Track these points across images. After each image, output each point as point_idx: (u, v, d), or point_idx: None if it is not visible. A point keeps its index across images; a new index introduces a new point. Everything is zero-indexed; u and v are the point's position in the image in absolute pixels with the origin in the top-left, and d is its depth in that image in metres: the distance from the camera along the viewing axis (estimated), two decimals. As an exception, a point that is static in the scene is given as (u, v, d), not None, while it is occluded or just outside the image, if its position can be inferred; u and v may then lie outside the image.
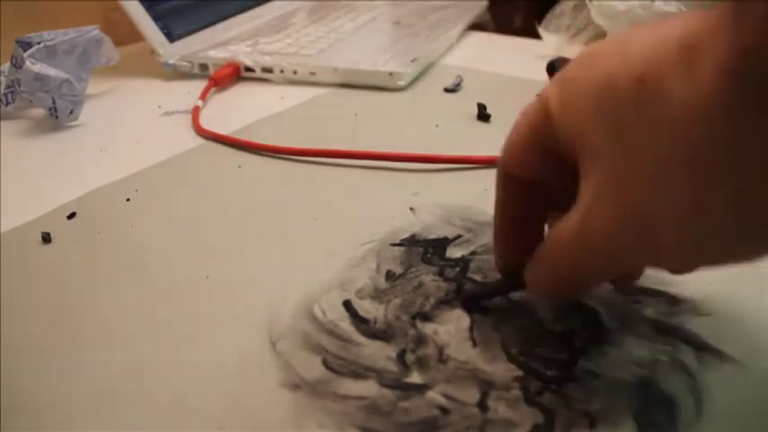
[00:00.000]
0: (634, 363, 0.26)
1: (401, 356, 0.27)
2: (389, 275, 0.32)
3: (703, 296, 0.30)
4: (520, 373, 0.26)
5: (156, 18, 0.63)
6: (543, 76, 0.59)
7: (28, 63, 0.50)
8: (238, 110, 0.55)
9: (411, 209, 0.38)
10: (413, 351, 0.27)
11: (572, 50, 0.62)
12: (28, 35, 0.52)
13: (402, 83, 0.58)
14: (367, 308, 0.30)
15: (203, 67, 0.62)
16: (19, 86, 0.52)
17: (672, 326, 0.28)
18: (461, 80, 0.58)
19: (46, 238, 0.37)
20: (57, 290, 0.33)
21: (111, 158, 0.47)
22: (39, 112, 0.55)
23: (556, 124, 0.23)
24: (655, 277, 0.31)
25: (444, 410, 0.25)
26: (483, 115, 0.51)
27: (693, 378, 0.26)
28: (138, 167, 0.45)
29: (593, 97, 0.21)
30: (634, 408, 0.24)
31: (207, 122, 0.51)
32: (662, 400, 0.25)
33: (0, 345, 0.29)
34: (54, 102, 0.51)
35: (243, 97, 0.58)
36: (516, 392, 0.25)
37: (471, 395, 0.25)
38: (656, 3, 0.50)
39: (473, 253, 0.34)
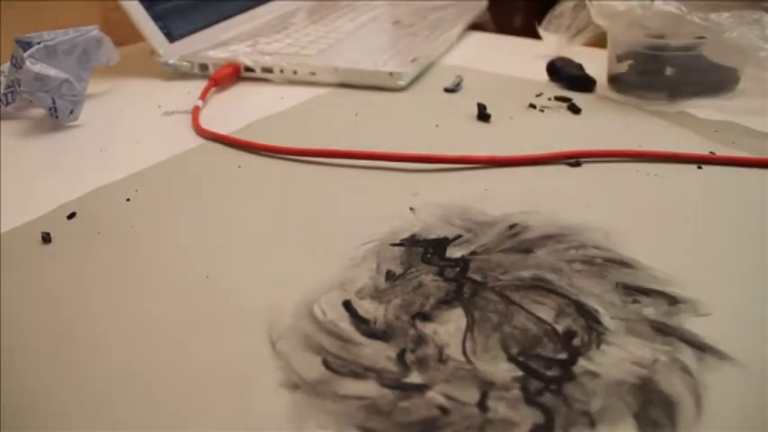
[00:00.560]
0: (634, 363, 0.26)
1: (401, 356, 0.27)
2: (389, 275, 0.32)
3: (703, 296, 0.30)
4: (520, 373, 0.26)
5: (156, 18, 0.63)
6: (543, 76, 0.59)
7: (28, 63, 0.50)
8: (238, 110, 0.55)
9: (411, 209, 0.38)
10: (413, 351, 0.27)
11: (572, 50, 0.62)
12: (28, 35, 0.52)
13: (402, 83, 0.58)
14: (367, 308, 0.30)
15: (203, 67, 0.62)
16: (19, 86, 0.52)
17: (672, 326, 0.28)
18: (461, 80, 0.58)
19: (46, 238, 0.37)
20: (57, 290, 0.33)
21: (111, 158, 0.47)
22: (39, 112, 0.55)
23: None
24: (655, 277, 0.31)
25: (444, 410, 0.25)
26: (483, 115, 0.51)
27: (693, 378, 0.26)
28: (138, 167, 0.45)
29: None
30: (634, 408, 0.24)
31: (207, 122, 0.51)
32: (662, 400, 0.25)
33: (0, 344, 0.29)
34: (54, 102, 0.51)
35: (243, 97, 0.58)
36: (516, 392, 0.25)
37: (471, 395, 0.25)
38: (656, 3, 0.50)
39: (473, 253, 0.34)
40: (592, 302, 0.30)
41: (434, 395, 0.25)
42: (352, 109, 0.54)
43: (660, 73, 0.52)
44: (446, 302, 0.30)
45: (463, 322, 0.29)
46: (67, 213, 0.39)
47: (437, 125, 0.50)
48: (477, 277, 0.32)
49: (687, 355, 0.27)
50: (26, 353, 0.28)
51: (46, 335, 0.29)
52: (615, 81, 0.56)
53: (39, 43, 0.52)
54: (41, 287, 0.33)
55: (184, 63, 0.62)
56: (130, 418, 0.25)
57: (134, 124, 0.53)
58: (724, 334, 0.28)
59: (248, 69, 0.61)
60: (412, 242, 0.35)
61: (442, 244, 0.35)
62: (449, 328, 0.29)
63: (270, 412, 0.25)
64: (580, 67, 0.58)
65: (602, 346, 0.27)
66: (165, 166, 0.45)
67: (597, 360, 0.27)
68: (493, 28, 0.78)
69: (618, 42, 0.54)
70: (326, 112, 0.54)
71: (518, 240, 0.35)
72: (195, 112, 0.53)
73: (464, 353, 0.27)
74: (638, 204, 0.38)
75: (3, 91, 0.54)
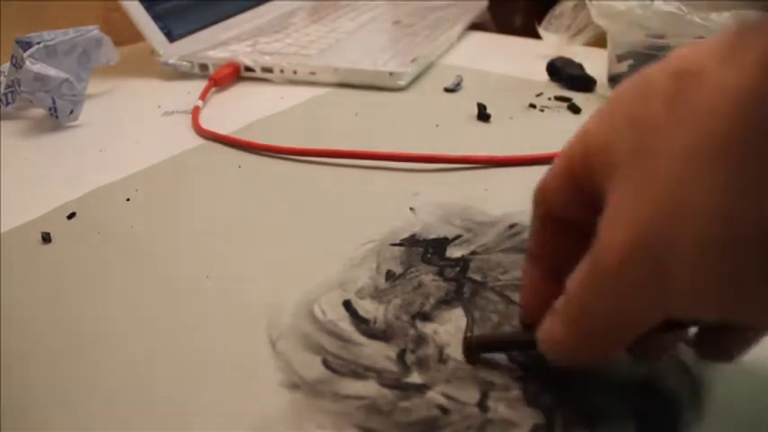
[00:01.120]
0: (634, 363, 0.26)
1: (401, 356, 0.27)
2: (389, 275, 0.32)
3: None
4: (520, 373, 0.26)
5: (156, 18, 0.63)
6: (543, 76, 0.59)
7: (28, 63, 0.50)
8: (238, 110, 0.55)
9: (411, 209, 0.38)
10: (413, 351, 0.27)
11: (572, 50, 0.62)
12: (28, 35, 0.52)
13: (402, 83, 0.58)
14: (367, 308, 0.30)
15: (203, 67, 0.62)
16: (19, 86, 0.52)
17: (672, 326, 0.28)
18: (461, 80, 0.58)
19: (46, 238, 0.37)
20: (57, 290, 0.33)
21: (111, 158, 0.47)
22: (39, 112, 0.55)
23: (591, 151, 0.21)
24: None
25: (444, 410, 0.25)
26: (483, 115, 0.51)
27: (693, 378, 0.26)
28: (138, 167, 0.45)
29: (629, 99, 0.21)
30: (634, 408, 0.24)
31: (207, 122, 0.51)
32: (662, 400, 0.25)
33: (0, 344, 0.29)
34: (54, 102, 0.51)
35: (243, 97, 0.58)
36: (516, 392, 0.25)
37: (471, 395, 0.25)
38: (656, 3, 0.50)
39: (473, 253, 0.34)
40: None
41: (434, 395, 0.25)
42: (352, 109, 0.54)
43: (660, 73, 0.52)
44: (446, 302, 0.30)
45: (463, 322, 0.29)
46: (67, 213, 0.39)
47: (437, 125, 0.50)
48: (478, 277, 0.32)
49: (687, 355, 0.27)
50: (26, 353, 0.28)
51: (46, 335, 0.29)
52: (615, 81, 0.56)
53: (39, 43, 0.52)
54: (41, 287, 0.33)
55: (184, 63, 0.62)
56: (130, 418, 0.25)
57: (134, 124, 0.53)
58: (724, 334, 0.28)
59: (248, 69, 0.61)
60: (412, 242, 0.35)
61: (441, 244, 0.35)
62: (449, 327, 0.29)
63: (270, 412, 0.25)
64: (580, 66, 0.58)
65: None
66: (164, 166, 0.45)
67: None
68: (493, 28, 0.78)
69: (618, 42, 0.54)
70: (326, 112, 0.54)
71: (518, 240, 0.35)
72: (195, 111, 0.53)
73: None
74: (638, 204, 0.38)
75: (3, 91, 0.54)
